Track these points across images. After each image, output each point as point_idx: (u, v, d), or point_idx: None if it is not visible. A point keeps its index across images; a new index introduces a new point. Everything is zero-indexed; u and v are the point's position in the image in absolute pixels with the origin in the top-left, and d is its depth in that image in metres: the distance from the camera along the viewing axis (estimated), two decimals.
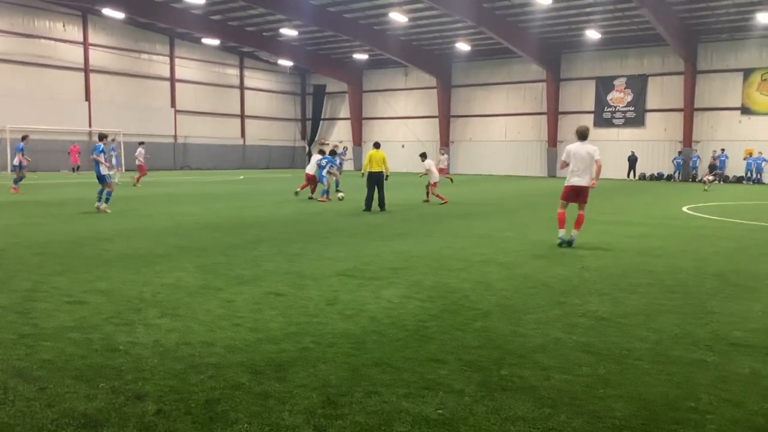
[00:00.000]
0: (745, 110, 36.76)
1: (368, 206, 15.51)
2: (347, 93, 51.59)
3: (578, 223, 10.09)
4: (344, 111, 53.14)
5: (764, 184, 35.04)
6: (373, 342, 4.96)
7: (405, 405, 3.75)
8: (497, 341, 5.02)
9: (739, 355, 4.72)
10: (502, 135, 46.08)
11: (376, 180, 15.55)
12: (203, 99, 48.01)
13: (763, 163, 35.65)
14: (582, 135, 10.05)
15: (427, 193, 18.99)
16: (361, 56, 46.73)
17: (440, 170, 30.69)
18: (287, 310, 5.87)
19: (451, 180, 27.52)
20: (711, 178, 28.99)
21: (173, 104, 45.97)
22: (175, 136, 46.04)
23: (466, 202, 19.39)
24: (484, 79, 45.95)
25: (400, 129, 50.10)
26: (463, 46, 41.65)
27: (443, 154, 34.52)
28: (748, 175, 35.97)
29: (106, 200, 14.78)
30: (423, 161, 19.29)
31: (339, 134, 53.42)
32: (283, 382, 4.07)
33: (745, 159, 36.16)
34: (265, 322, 5.46)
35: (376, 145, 16.41)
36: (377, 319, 5.60)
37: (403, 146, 48.21)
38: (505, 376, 4.26)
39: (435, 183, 18.72)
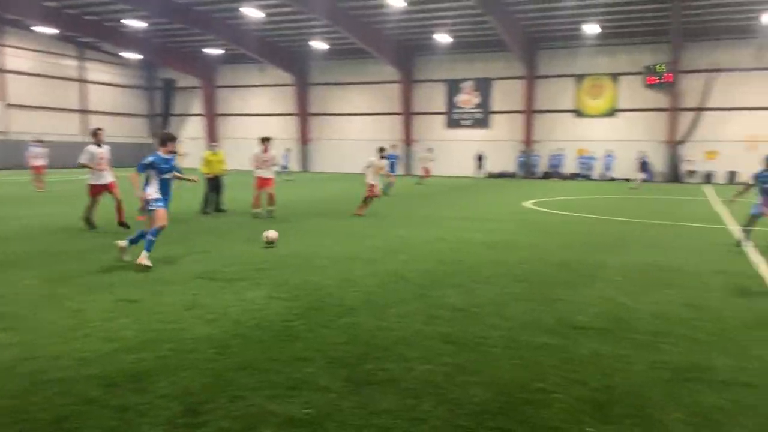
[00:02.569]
0: (578, 113, 40.38)
1: (210, 209, 14.92)
2: (200, 88, 49.71)
3: None
4: (197, 107, 51.15)
5: (593, 180, 38.69)
6: (237, 345, 4.82)
7: (271, 407, 3.69)
8: (362, 336, 5.09)
9: (581, 338, 5.17)
10: (360, 134, 46.81)
11: (216, 182, 15.07)
12: (39, 92, 43.88)
13: (593, 161, 39.40)
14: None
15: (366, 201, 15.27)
16: (214, 51, 45.19)
17: (425, 170, 30.14)
18: (142, 317, 5.54)
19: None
20: (642, 176, 30.17)
21: (3, 98, 41.56)
22: (5, 133, 41.67)
23: (328, 200, 19.46)
24: (341, 78, 46.36)
25: (256, 126, 49.14)
26: (319, 45, 41.71)
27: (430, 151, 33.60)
28: (580, 171, 39.64)
29: None
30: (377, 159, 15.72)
31: (192, 131, 51.34)
32: (141, 394, 3.84)
33: (577, 159, 39.81)
34: (118, 331, 5.11)
35: (212, 147, 16.39)
36: (241, 322, 5.45)
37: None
38: (371, 370, 4.33)
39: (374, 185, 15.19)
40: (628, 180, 35.42)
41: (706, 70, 36.54)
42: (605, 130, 39.54)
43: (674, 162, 37.83)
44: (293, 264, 8.24)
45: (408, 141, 43.82)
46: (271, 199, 14.23)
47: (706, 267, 8.54)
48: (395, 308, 6.01)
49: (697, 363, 4.55)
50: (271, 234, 9.74)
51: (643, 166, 31.37)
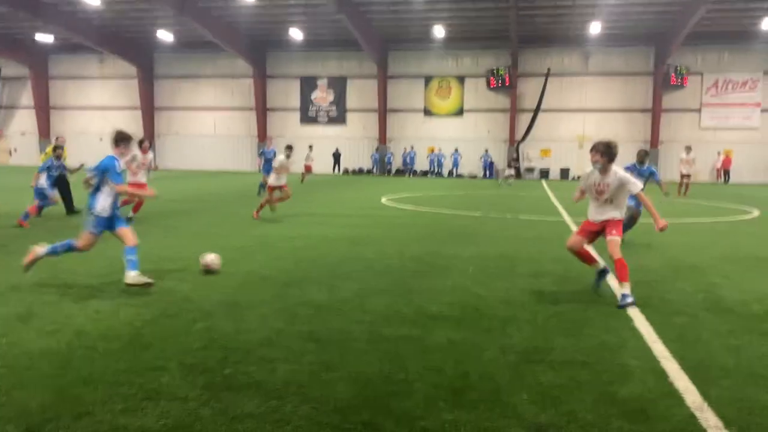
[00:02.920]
0: (427, 112, 42.06)
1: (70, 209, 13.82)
2: (29, 78, 45.33)
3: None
4: (27, 99, 46.59)
5: (443, 176, 40.52)
6: (82, 358, 4.45)
7: (122, 421, 3.46)
8: (221, 340, 4.92)
9: (438, 327, 5.39)
10: (211, 129, 45.22)
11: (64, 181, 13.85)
12: None
13: (443, 158, 41.28)
14: None
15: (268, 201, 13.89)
16: (45, 38, 41.34)
17: (306, 167, 28.63)
18: None
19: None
20: (510, 172, 31.26)
21: None
22: None
23: (179, 198, 18.58)
24: (190, 71, 44.49)
25: (96, 120, 45.73)
26: (166, 36, 39.67)
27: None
28: (431, 169, 41.39)
29: None
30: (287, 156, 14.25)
31: (22, 125, 46.70)
32: None
33: (428, 157, 41.52)
34: None
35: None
36: (85, 332, 5.04)
37: (101, 139, 44.12)
38: (231, 374, 4.20)
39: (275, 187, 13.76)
40: (474, 177, 37.54)
41: (540, 75, 39.64)
42: (454, 129, 41.58)
43: (518, 158, 40.56)
44: (142, 268, 7.77)
45: (262, 137, 43.06)
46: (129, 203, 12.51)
47: (545, 256, 9.26)
48: (255, 309, 5.88)
49: (539, 345, 4.92)
50: (210, 260, 7.55)
51: (512, 163, 33.62)
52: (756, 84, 37.79)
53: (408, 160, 41.57)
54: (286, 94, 43.67)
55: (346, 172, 42.83)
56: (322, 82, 43.17)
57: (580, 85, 39.82)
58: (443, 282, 7.29)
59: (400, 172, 41.95)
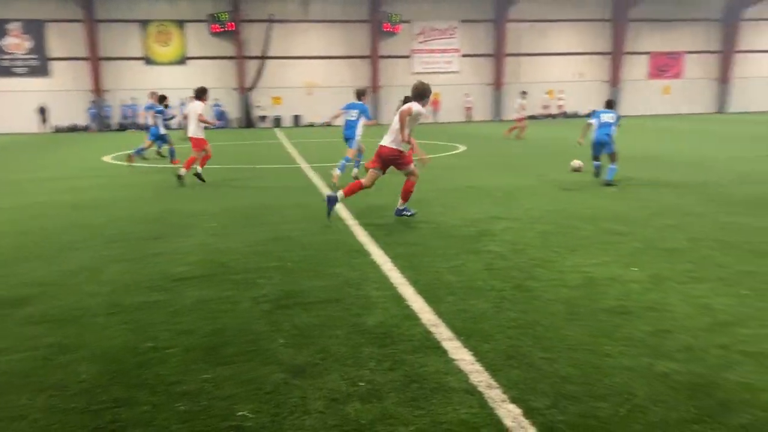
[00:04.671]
0: (149, 61, 39.02)
1: None
2: None
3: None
4: None
5: (172, 129, 38.35)
6: None
7: None
8: None
9: (185, 288, 5.19)
10: None
11: None
12: None
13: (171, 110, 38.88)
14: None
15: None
16: None
17: None
18: None
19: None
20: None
21: None
22: None
23: None
24: None
25: None
26: None
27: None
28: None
29: None
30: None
31: None
32: None
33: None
34: None
35: None
36: None
37: None
38: None
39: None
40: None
41: (263, 20, 39.26)
42: (177, 78, 39.22)
43: (246, 108, 40.06)
44: None
45: None
46: None
47: (290, 202, 9.44)
48: None
49: (291, 290, 5.05)
50: None
51: (220, 116, 32.69)
52: (455, 31, 42.39)
53: (129, 113, 38.34)
54: None
55: (57, 129, 38.01)
56: (14, 27, 37.13)
57: (303, 32, 40.44)
58: (186, 241, 7.00)
59: (123, 127, 38.58)
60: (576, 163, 11.72)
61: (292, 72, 40.71)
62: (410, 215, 7.99)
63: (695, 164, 13.67)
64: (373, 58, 40.90)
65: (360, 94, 12.21)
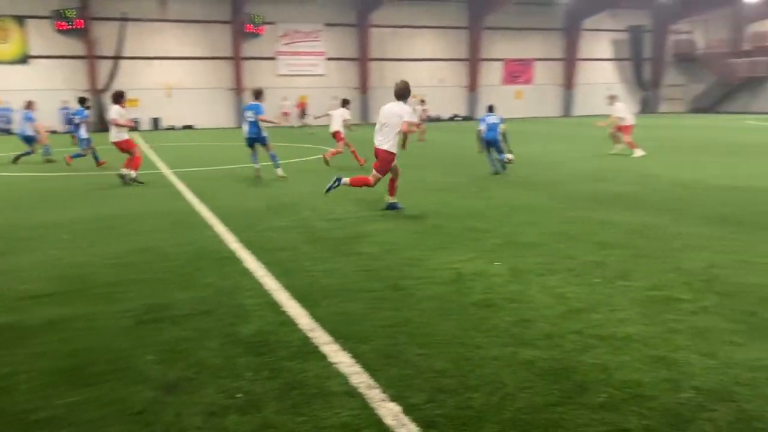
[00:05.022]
0: None
1: None
2: None
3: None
4: None
5: (15, 134, 35.06)
6: None
7: None
8: None
9: (37, 308, 4.75)
10: None
11: None
12: None
13: (10, 113, 35.44)
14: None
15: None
16: None
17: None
18: None
19: None
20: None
21: None
22: None
23: None
24: None
25: None
26: None
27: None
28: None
29: None
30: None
31: None
32: None
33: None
34: None
35: None
36: None
37: None
38: None
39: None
40: (54, 132, 33.48)
41: (116, 19, 36.99)
42: (19, 78, 35.88)
43: (100, 111, 37.53)
44: None
45: None
46: None
47: (148, 210, 8.97)
48: None
49: (158, 303, 4.80)
50: None
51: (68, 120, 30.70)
52: (319, 34, 42.47)
53: None
54: None
55: None
56: None
57: (160, 32, 38.58)
58: (35, 256, 6.43)
59: None
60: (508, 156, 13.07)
61: (149, 73, 38.68)
62: (399, 209, 8.65)
63: (544, 164, 14.72)
64: (236, 59, 39.92)
65: (257, 94, 12.67)
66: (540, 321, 4.29)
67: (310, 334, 4.12)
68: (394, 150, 8.45)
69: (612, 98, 16.95)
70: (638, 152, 15.84)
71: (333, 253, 6.30)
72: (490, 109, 13.74)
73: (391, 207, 8.77)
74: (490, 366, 3.58)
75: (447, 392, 3.28)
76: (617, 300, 4.71)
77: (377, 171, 8.51)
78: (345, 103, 15.69)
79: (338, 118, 15.12)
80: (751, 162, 14.22)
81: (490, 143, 13.17)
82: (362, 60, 43.20)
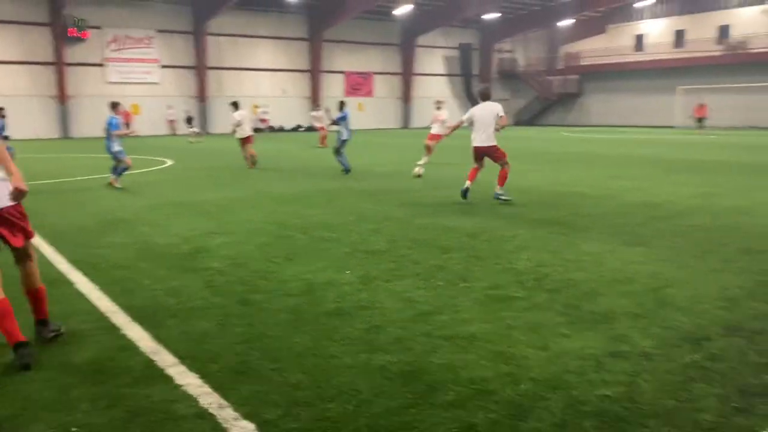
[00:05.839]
0: None
1: None
2: None
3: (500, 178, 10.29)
4: None
5: None
6: None
7: None
8: None
9: None
10: None
11: None
12: None
13: None
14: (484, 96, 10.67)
15: None
16: None
17: None
18: None
19: None
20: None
21: None
22: None
23: None
24: None
25: None
26: None
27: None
28: None
29: None
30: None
31: None
32: None
33: None
34: None
35: None
36: None
37: None
38: None
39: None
40: None
41: None
42: None
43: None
44: None
45: None
46: None
47: None
48: None
49: None
50: None
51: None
52: (152, 41, 40.37)
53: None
54: None
55: None
56: None
57: None
58: None
59: None
60: (419, 170, 14.09)
61: None
62: (506, 200, 9.98)
63: (390, 174, 15.19)
64: (59, 65, 36.71)
65: (112, 107, 12.49)
66: (390, 326, 4.40)
67: (153, 357, 3.88)
68: (493, 143, 10.31)
69: (439, 103, 17.07)
70: (423, 162, 15.03)
71: (176, 270, 5.99)
72: (341, 107, 15.41)
73: (498, 197, 10.11)
74: (345, 375, 3.61)
75: (302, 405, 3.24)
76: (460, 301, 4.97)
77: (506, 160, 10.21)
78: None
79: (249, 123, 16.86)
80: (570, 169, 15.76)
81: (348, 142, 14.95)
82: (200, 68, 41.76)
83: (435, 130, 16.25)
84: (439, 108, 16.77)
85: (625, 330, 4.29)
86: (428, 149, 15.90)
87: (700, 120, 36.86)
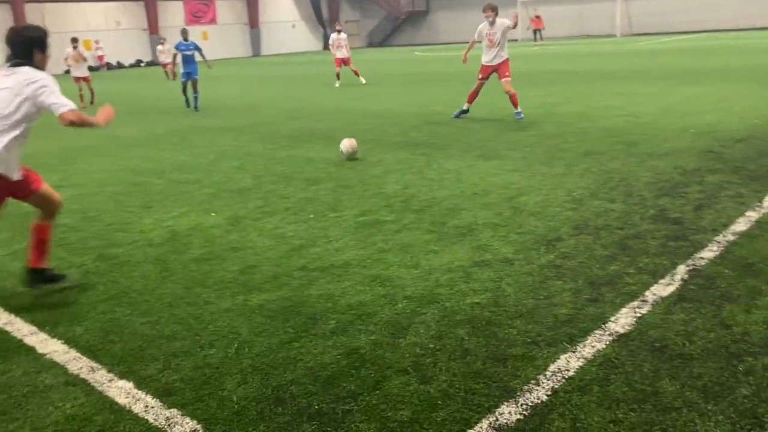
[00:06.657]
0: None
1: None
2: None
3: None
4: None
5: None
6: None
7: None
8: None
9: None
10: None
11: None
12: None
13: None
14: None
15: None
16: None
17: None
18: None
19: None
20: None
21: None
22: None
23: None
24: None
25: None
26: None
27: None
28: None
29: None
30: None
31: None
32: None
33: None
34: None
35: None
36: None
37: None
38: None
39: None
40: None
41: None
42: None
43: None
44: None
45: None
46: None
47: None
48: None
49: None
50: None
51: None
52: None
53: None
54: None
55: None
56: None
57: None
58: None
59: None
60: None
61: None
62: (521, 118, 9.99)
63: (245, 107, 14.65)
64: None
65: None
66: (265, 264, 4.35)
67: (7, 328, 3.57)
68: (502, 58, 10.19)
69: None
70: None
71: (20, 231, 5.46)
72: (184, 35, 14.88)
73: (519, 115, 10.08)
74: (223, 319, 3.54)
75: (181, 355, 3.16)
76: (332, 231, 5.00)
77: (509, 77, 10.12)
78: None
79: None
80: (427, 90, 16.04)
81: (190, 75, 14.13)
82: (14, 2, 36.99)
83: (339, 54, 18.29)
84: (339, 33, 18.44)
85: (488, 240, 4.55)
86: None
87: (536, 32, 38.79)
